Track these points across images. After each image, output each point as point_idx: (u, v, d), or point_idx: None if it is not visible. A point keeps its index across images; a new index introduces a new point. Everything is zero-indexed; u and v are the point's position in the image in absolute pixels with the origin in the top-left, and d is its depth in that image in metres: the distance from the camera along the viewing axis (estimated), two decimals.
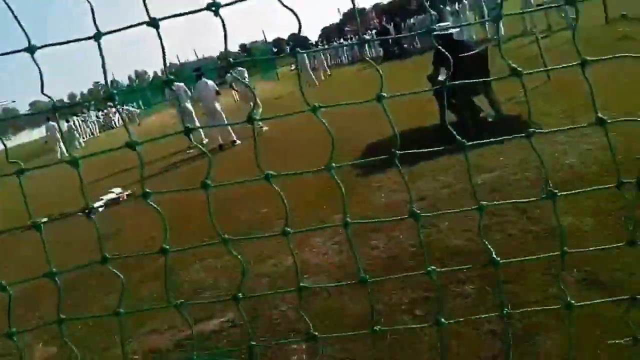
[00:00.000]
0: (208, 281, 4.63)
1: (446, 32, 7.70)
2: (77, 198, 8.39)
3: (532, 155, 5.41)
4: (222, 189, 6.16)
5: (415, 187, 5.46)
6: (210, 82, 12.65)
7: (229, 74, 38.34)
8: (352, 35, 43.49)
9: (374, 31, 33.90)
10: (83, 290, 5.27)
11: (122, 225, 7.46)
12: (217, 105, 12.55)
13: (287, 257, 4.57)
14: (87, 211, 7.96)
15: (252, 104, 10.31)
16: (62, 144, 25.04)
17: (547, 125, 6.29)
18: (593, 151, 5.06)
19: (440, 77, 7.57)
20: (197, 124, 14.02)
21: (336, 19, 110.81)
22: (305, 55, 27.30)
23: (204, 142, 13.82)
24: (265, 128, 12.78)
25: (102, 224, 7.98)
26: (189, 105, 13.98)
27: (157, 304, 4.40)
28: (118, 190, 9.69)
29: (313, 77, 24.99)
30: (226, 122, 12.64)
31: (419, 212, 1.54)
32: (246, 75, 15.09)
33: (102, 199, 9.22)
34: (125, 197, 9.22)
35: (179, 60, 51.86)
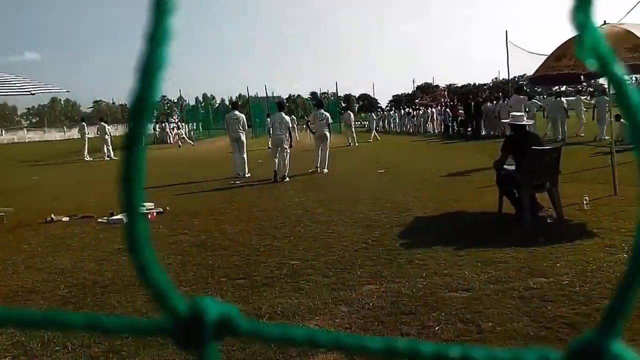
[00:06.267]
0: None
1: (521, 122, 7.38)
2: (101, 202, 8.10)
3: (592, 266, 5.02)
4: (256, 233, 5.72)
5: (461, 275, 4.98)
6: (287, 117, 13.46)
7: (292, 117, 39.33)
8: (420, 107, 43.43)
9: (444, 108, 33.79)
10: (77, 305, 4.88)
11: None
12: (286, 140, 13.17)
13: (304, 320, 4.15)
14: (110, 216, 7.75)
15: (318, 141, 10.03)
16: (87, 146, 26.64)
17: (610, 241, 5.81)
18: None
19: (508, 166, 7.20)
20: (245, 156, 14.27)
21: (409, 88, 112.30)
22: (352, 115, 28.34)
23: (247, 175, 14.24)
24: (325, 170, 14.49)
25: (121, 235, 7.72)
26: (242, 136, 14.65)
27: (146, 340, 4.01)
28: (149, 205, 9.38)
29: (353, 136, 27.21)
30: (287, 159, 13.19)
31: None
32: (330, 119, 15.67)
33: None
34: (154, 215, 8.91)
35: (248, 93, 52.67)
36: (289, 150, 13.14)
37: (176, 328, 0.40)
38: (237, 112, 14.92)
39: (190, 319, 0.39)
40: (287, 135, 13.17)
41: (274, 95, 52.87)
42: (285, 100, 22.65)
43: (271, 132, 13.27)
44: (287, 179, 12.85)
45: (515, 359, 0.37)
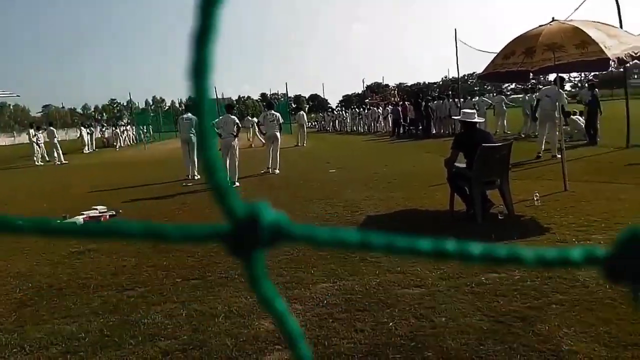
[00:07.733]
0: (167, 329, 4.08)
1: (472, 119, 7.44)
2: (53, 206, 7.92)
3: None
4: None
5: (414, 272, 5.00)
6: (233, 117, 13.05)
7: (247, 117, 38.74)
8: (370, 107, 43.66)
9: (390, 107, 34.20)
10: (34, 307, 4.78)
11: (94, 246, 6.96)
12: (235, 142, 12.85)
13: (259, 319, 4.09)
14: (62, 219, 7.54)
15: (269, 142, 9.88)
16: (39, 150, 26.56)
17: (561, 236, 5.92)
18: None
19: (459, 164, 7.28)
20: (196, 159, 13.99)
21: (359, 88, 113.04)
22: (304, 115, 28.32)
23: (196, 177, 13.97)
24: (277, 171, 14.44)
25: (74, 239, 7.52)
26: (194, 138, 14.25)
27: (103, 341, 3.90)
28: (102, 208, 9.23)
29: (303, 137, 27.29)
30: (237, 162, 12.77)
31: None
32: (281, 120, 15.46)
33: (83, 214, 8.75)
34: (107, 218, 8.72)
35: None
36: (237, 154, 12.78)
37: (233, 232, 0.41)
38: (189, 114, 14.66)
39: (248, 223, 0.40)
40: (235, 134, 12.88)
41: (224, 97, 52.45)
42: (234, 102, 22.29)
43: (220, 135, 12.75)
44: (237, 184, 12.28)
45: (562, 257, 0.39)
